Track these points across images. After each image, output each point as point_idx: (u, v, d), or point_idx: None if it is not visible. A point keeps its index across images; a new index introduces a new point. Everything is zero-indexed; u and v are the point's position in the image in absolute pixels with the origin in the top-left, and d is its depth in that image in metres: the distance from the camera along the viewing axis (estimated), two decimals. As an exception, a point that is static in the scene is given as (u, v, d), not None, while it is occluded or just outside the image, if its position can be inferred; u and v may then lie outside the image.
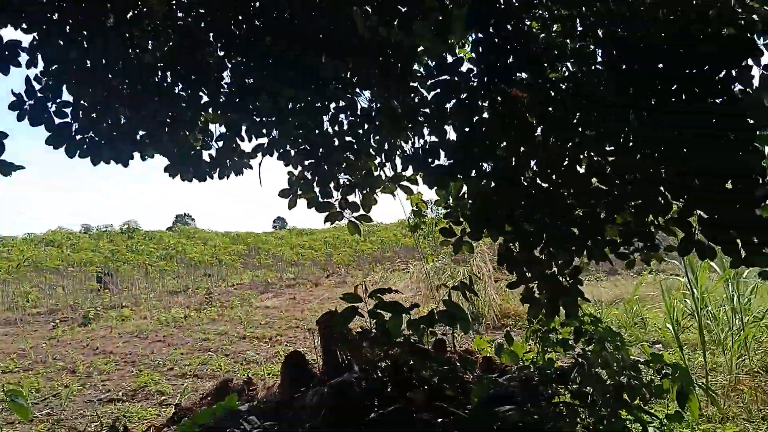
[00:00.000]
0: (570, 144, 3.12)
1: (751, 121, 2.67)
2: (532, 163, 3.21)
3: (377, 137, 3.90)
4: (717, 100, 2.69)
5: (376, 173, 4.13)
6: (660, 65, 2.74)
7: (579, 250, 3.17)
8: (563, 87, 3.14)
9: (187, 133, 4.11)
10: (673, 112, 2.75)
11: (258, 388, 5.27)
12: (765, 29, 2.52)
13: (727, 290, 6.09)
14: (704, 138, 2.73)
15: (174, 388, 7.98)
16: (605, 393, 3.26)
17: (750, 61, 2.57)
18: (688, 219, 2.89)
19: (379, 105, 3.76)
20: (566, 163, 3.13)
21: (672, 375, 3.48)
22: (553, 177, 3.16)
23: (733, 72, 2.60)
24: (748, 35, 2.52)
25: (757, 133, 2.70)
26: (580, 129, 3.08)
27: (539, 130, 3.15)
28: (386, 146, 3.96)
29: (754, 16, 2.52)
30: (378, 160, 4.08)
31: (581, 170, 3.13)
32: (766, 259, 2.76)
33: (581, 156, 3.13)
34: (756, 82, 2.61)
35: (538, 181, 3.19)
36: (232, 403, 3.37)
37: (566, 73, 3.23)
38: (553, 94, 3.11)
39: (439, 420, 3.02)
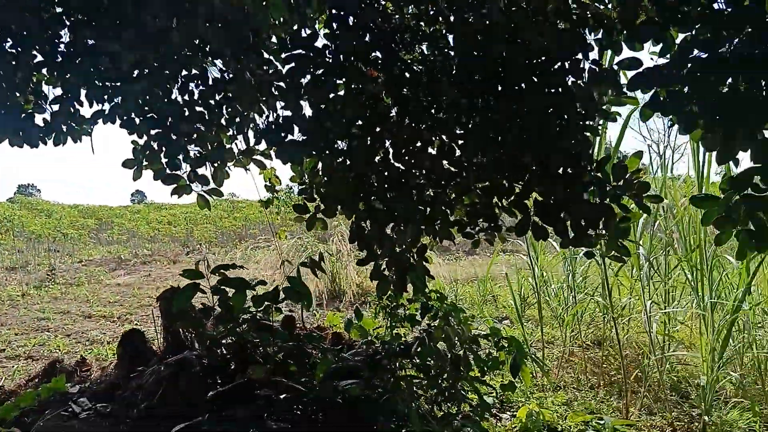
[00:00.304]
0: (423, 126, 3.19)
1: (583, 112, 2.89)
2: (387, 143, 3.26)
3: (230, 109, 3.75)
4: (553, 91, 2.87)
5: (228, 146, 3.98)
6: (503, 53, 2.87)
7: (428, 229, 3.28)
8: (417, 69, 3.19)
9: (18, 94, 3.72)
10: (515, 99, 2.90)
11: (93, 368, 4.95)
12: (596, 26, 2.72)
13: (564, 268, 6.58)
14: (541, 126, 2.91)
15: (4, 371, 7.29)
16: (445, 366, 3.42)
17: (581, 55, 2.76)
18: (524, 201, 3.07)
19: (232, 76, 3.62)
20: (419, 144, 3.20)
21: (508, 347, 3.72)
22: (406, 158, 3.22)
23: (566, 64, 2.79)
24: (580, 30, 2.70)
25: (587, 123, 2.93)
26: (432, 111, 3.16)
27: (394, 110, 3.20)
28: (239, 118, 3.82)
29: (588, 12, 2.71)
30: (230, 132, 3.93)
31: (433, 152, 3.22)
32: (591, 239, 3.02)
33: (433, 138, 3.21)
34: (586, 75, 2.82)
35: (392, 160, 3.24)
36: (60, 384, 3.14)
37: (420, 56, 3.29)
38: (408, 75, 3.16)
39: (282, 396, 3.01)
